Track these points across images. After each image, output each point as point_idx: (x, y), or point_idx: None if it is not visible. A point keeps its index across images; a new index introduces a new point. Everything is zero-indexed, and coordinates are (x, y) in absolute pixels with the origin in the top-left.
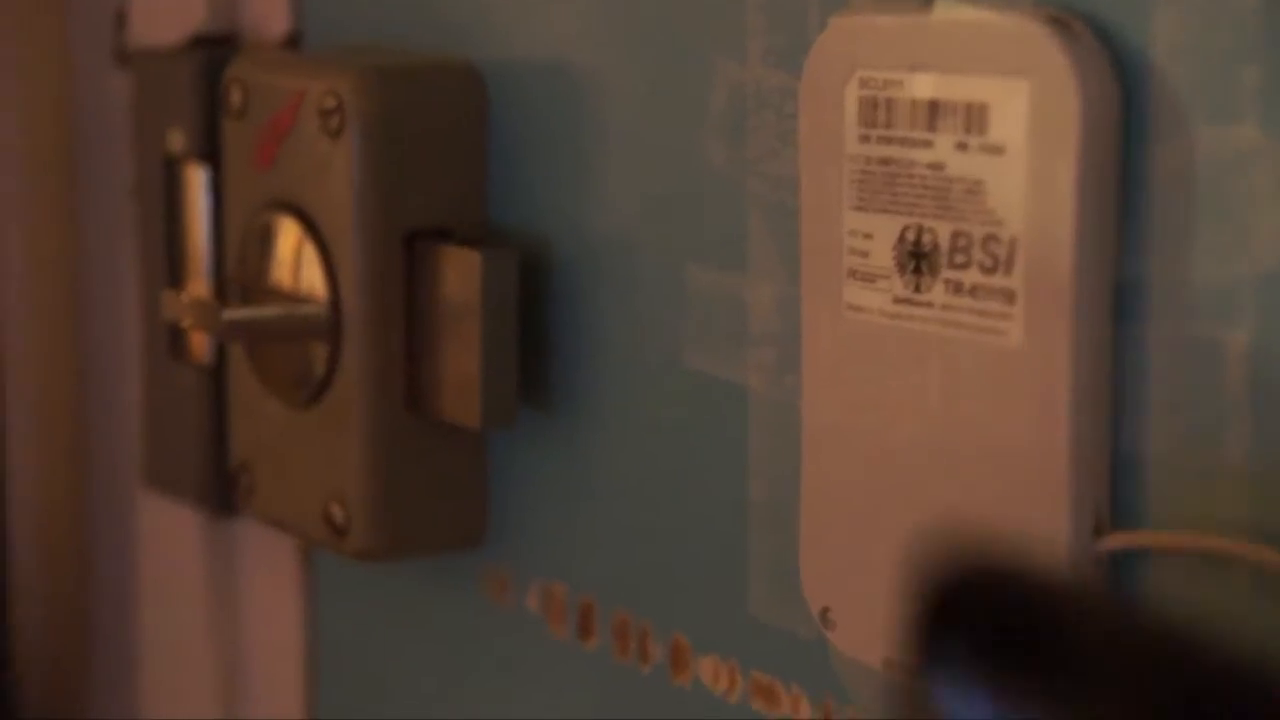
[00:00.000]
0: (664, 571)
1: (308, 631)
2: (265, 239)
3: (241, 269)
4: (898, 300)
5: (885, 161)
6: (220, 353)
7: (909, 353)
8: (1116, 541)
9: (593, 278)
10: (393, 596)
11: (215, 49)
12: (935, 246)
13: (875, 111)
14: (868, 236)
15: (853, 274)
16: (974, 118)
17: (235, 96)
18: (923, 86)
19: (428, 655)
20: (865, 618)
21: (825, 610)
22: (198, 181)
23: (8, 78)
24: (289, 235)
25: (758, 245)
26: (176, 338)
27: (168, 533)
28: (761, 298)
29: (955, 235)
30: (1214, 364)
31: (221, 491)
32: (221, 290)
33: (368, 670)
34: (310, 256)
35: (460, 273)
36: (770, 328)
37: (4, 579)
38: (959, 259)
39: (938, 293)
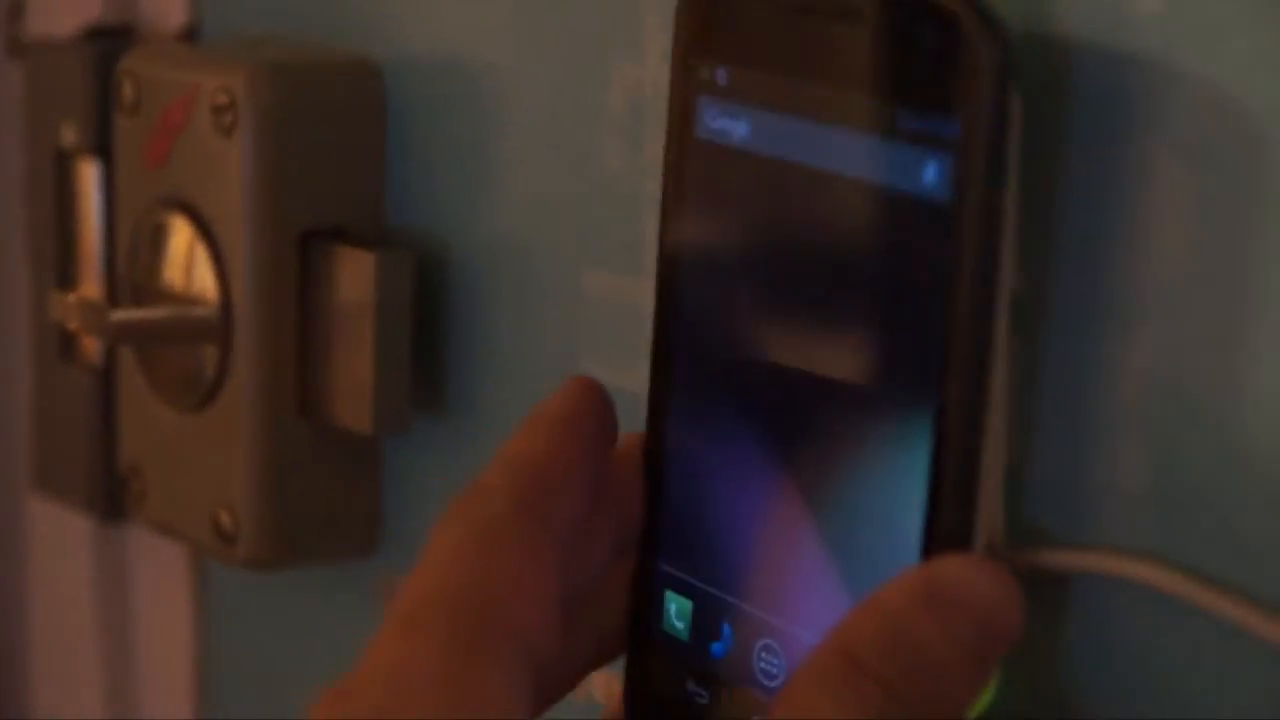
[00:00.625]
0: None
1: (198, 639)
2: (157, 238)
3: (132, 268)
4: None
5: None
6: (111, 355)
7: None
8: (1011, 559)
9: (489, 280)
10: (285, 604)
11: (111, 41)
12: None
13: None
14: None
15: None
16: None
17: (128, 91)
18: None
19: (320, 664)
20: None
21: None
22: (90, 177)
23: None
24: (181, 235)
25: (654, 250)
26: (67, 339)
27: (57, 537)
28: None
29: None
30: (1113, 379)
31: (111, 496)
32: (112, 290)
33: (259, 679)
34: (202, 257)
35: (355, 274)
36: None
37: None
38: None
39: None
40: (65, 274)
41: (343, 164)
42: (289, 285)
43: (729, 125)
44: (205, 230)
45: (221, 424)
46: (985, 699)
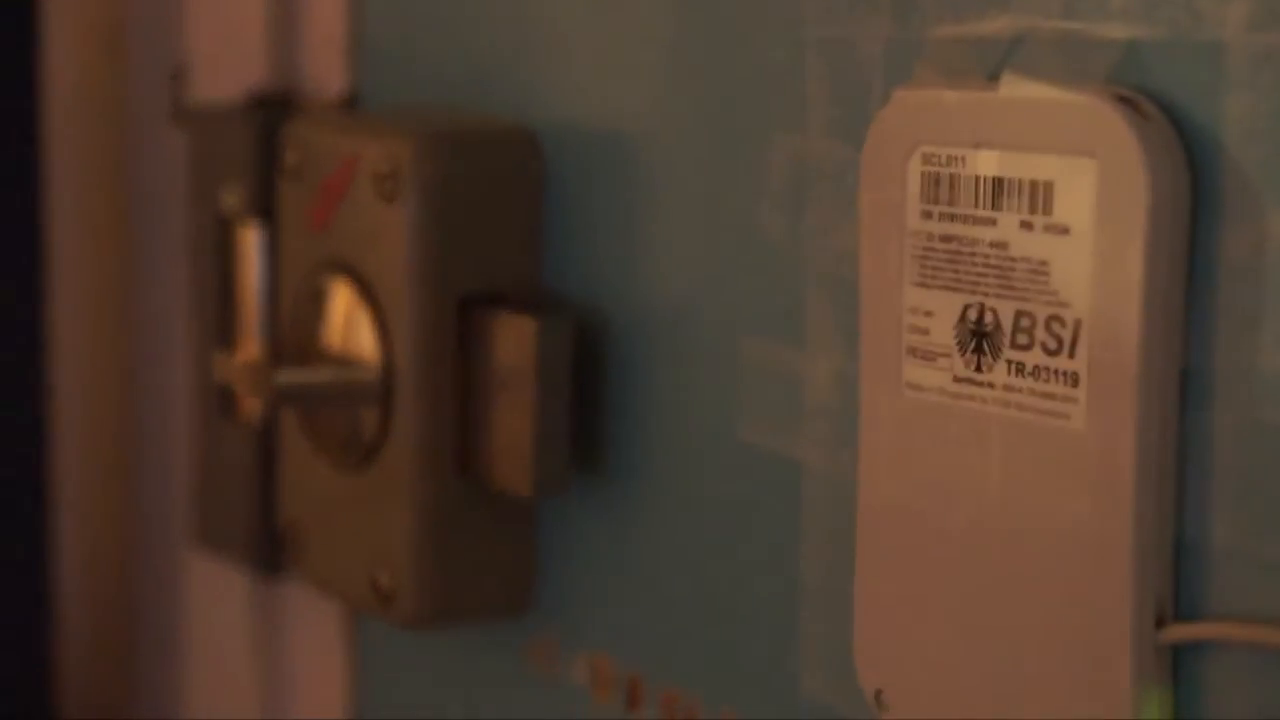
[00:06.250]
0: (714, 647)
1: (351, 695)
2: (318, 301)
3: (294, 330)
4: (958, 379)
5: (947, 238)
6: (271, 413)
7: (969, 433)
8: (1179, 632)
9: (647, 347)
10: (438, 662)
11: (272, 108)
12: (997, 326)
13: (938, 187)
14: (928, 314)
15: (913, 351)
16: (1039, 197)
17: (291, 157)
18: (986, 164)
19: None
20: (919, 700)
21: (879, 692)
22: (252, 241)
23: (65, 132)
24: (342, 298)
25: (815, 319)
26: (227, 396)
27: (214, 592)
28: (818, 372)
29: (1018, 315)
30: None
31: (269, 552)
32: (273, 351)
33: None
34: (363, 320)
35: (515, 339)
36: (826, 403)
37: (50, 636)
38: (1021, 340)
39: (999, 373)
40: (226, 335)
41: (502, 230)
42: (449, 349)
43: None
44: (366, 294)
45: (381, 484)
46: None
